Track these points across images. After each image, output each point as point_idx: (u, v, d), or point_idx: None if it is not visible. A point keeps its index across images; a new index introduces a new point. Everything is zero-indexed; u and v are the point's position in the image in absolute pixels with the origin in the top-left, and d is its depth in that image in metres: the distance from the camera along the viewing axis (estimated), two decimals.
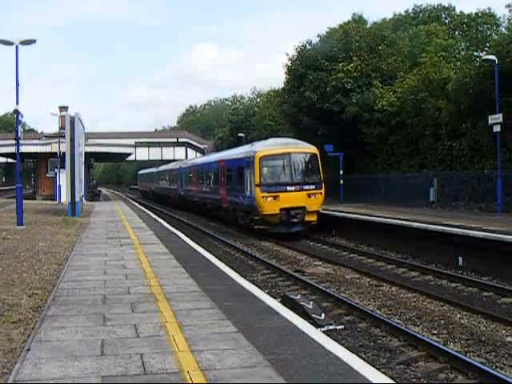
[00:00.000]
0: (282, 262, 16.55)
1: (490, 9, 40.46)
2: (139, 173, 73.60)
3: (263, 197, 20.89)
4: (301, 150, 22.27)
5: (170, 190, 45.78)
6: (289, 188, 21.07)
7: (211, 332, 5.95)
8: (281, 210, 20.70)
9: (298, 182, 21.35)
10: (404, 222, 18.03)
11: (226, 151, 32.42)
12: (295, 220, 20.88)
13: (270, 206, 20.85)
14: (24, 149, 31.78)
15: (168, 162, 58.93)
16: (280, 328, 6.14)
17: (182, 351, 5.29)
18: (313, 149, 22.54)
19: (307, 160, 22.34)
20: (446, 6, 44.58)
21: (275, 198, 20.85)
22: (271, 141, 24.21)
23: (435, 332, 9.05)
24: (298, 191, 21.08)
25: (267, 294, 9.05)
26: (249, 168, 22.02)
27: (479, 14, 40.39)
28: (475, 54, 31.78)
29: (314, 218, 21.40)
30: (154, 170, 59.23)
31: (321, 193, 21.67)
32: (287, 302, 10.05)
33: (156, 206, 44.39)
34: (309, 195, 21.23)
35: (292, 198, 20.90)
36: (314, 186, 21.46)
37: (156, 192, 56.86)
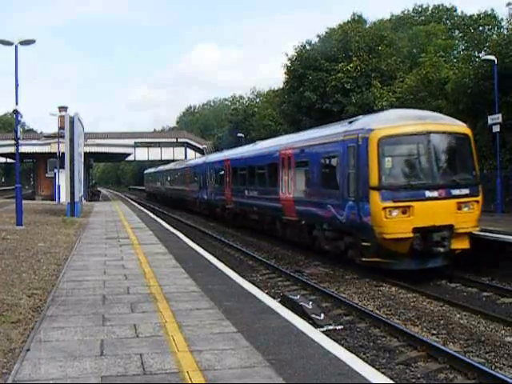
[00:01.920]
0: (282, 261, 16.54)
1: (492, 10, 40.56)
2: (146, 172, 67.35)
3: (385, 208, 12.47)
4: (445, 127, 13.53)
5: (188, 193, 37.43)
6: (429, 193, 12.69)
7: (211, 332, 5.95)
8: (414, 230, 12.41)
9: (442, 182, 12.97)
10: None
11: (288, 135, 22.27)
12: (439, 249, 12.61)
13: (396, 223, 12.46)
14: (23, 149, 31.80)
15: (167, 162, 58.17)
16: (279, 328, 6.14)
17: (181, 351, 5.30)
18: (463, 127, 13.96)
19: (455, 145, 13.91)
20: (448, 6, 44.65)
21: (405, 210, 12.51)
22: (391, 113, 14.86)
23: (435, 332, 9.05)
24: (442, 199, 12.76)
25: (267, 294, 9.06)
26: (353, 158, 13.52)
27: (481, 16, 40.41)
28: (475, 54, 31.82)
29: (465, 244, 13.11)
30: (164, 167, 51.98)
31: (477, 201, 13.30)
32: (286, 302, 10.04)
33: (157, 207, 44.28)
34: (459, 205, 12.95)
35: (434, 211, 12.57)
36: (467, 191, 13.12)
37: (167, 194, 48.46)
